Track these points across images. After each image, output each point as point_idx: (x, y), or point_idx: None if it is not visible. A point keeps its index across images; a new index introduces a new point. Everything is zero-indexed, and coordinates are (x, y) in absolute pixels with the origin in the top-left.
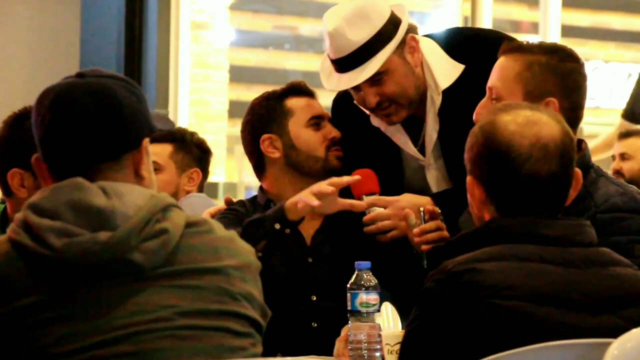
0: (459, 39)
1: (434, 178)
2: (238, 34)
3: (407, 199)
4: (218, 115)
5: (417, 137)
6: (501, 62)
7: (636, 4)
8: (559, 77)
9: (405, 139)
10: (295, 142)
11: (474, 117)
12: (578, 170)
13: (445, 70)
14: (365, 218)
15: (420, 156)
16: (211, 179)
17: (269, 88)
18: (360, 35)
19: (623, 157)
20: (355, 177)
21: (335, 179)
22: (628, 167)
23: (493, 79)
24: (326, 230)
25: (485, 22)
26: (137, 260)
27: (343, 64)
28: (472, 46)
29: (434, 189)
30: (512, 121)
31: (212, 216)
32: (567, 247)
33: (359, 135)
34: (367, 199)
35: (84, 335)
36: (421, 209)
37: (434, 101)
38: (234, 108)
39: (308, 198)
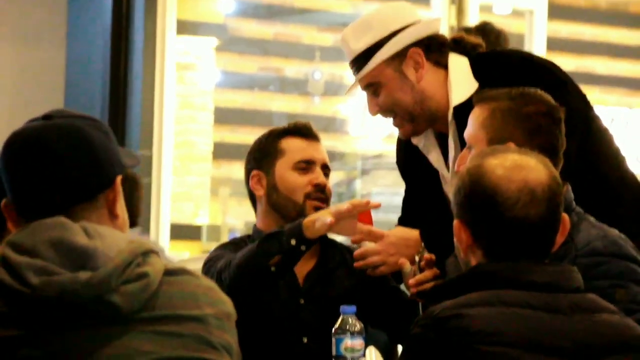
0: (487, 58)
1: None
2: (223, 75)
3: (397, 234)
4: (202, 156)
5: (447, 154)
6: (472, 111)
7: (620, 48)
8: (518, 120)
9: (437, 155)
10: (278, 183)
11: (455, 169)
12: (565, 215)
13: (461, 89)
14: (355, 253)
15: (446, 172)
16: (195, 221)
17: (255, 130)
18: (358, 45)
19: None
20: (375, 203)
21: (355, 200)
22: None
23: (466, 130)
24: (319, 272)
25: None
26: (117, 302)
27: (352, 69)
28: (495, 65)
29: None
30: (499, 165)
31: None
32: (554, 293)
33: (411, 154)
34: (358, 235)
35: None
36: (417, 256)
37: (450, 117)
38: (218, 150)
39: (325, 216)
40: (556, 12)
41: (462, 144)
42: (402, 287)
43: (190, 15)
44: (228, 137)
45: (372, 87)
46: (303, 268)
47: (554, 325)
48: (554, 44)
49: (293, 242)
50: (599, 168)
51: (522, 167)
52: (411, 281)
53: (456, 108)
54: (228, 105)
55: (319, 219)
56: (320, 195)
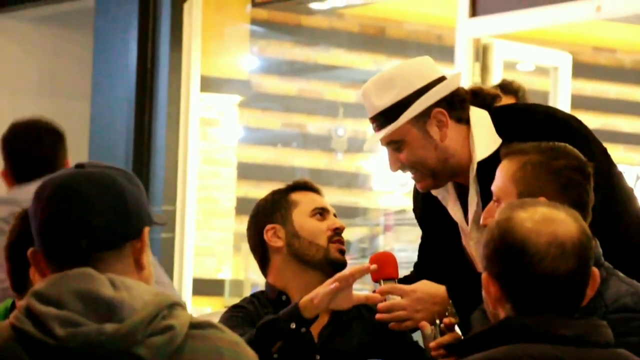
0: (510, 112)
1: (476, 249)
2: (246, 131)
3: (424, 289)
4: (225, 212)
5: (467, 207)
6: (501, 165)
7: None
8: (549, 174)
9: (457, 207)
10: (298, 230)
11: (481, 222)
12: (595, 270)
13: (485, 143)
14: (381, 306)
15: (466, 226)
16: (217, 275)
17: (277, 185)
18: (381, 101)
19: None
20: (372, 266)
21: (356, 267)
22: None
23: (494, 183)
24: (334, 326)
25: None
26: (143, 355)
27: (373, 125)
28: (518, 120)
29: (476, 259)
30: (528, 218)
31: None
32: (583, 348)
33: (430, 205)
34: (384, 286)
35: None
36: (437, 321)
37: (472, 172)
38: (241, 205)
39: (324, 288)
40: (581, 70)
41: (484, 199)
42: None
43: (214, 72)
44: (251, 193)
45: (395, 144)
46: (317, 323)
47: None
48: (578, 101)
49: (293, 325)
50: (620, 225)
51: (551, 221)
52: (432, 344)
53: (479, 163)
54: (251, 161)
55: (317, 296)
56: (341, 239)
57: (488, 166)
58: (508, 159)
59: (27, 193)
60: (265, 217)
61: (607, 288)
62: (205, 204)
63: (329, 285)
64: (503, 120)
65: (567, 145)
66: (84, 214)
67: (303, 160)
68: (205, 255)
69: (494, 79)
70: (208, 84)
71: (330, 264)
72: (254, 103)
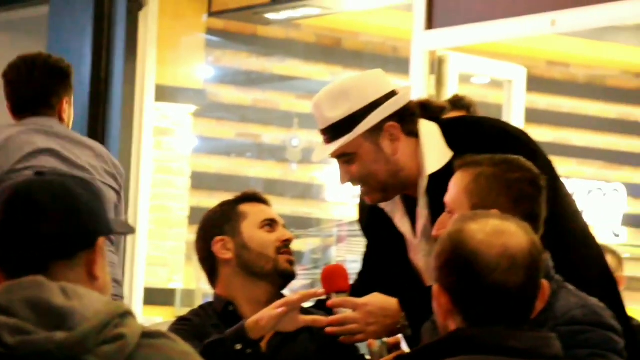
0: (460, 125)
1: (424, 263)
2: (201, 140)
3: (376, 303)
4: (178, 221)
5: (415, 220)
6: (455, 177)
7: (597, 121)
8: (503, 187)
9: (403, 220)
10: (247, 242)
11: (433, 233)
12: (545, 282)
13: (435, 157)
14: (332, 319)
15: (413, 239)
16: (169, 285)
17: (230, 195)
18: (333, 113)
19: None
20: (318, 291)
21: (303, 292)
22: None
23: (447, 194)
24: (282, 335)
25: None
26: None
27: (323, 136)
28: (468, 133)
29: (424, 272)
30: (480, 230)
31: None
32: None
33: (376, 216)
34: (336, 300)
35: None
36: (383, 340)
37: (423, 185)
38: (194, 214)
39: (271, 311)
40: (535, 84)
41: (433, 212)
42: None
43: (169, 81)
44: (204, 202)
45: (346, 157)
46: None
47: None
48: (532, 115)
49: (238, 347)
50: (565, 239)
51: (502, 233)
52: None
53: (430, 176)
54: (205, 171)
55: (263, 318)
56: (290, 251)
57: (439, 179)
58: (462, 170)
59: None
60: (214, 228)
61: (557, 300)
62: (158, 213)
63: (276, 308)
64: (453, 133)
65: (520, 158)
66: (36, 223)
67: (257, 171)
68: (157, 265)
69: (448, 92)
70: (163, 93)
71: (279, 275)
72: (208, 113)
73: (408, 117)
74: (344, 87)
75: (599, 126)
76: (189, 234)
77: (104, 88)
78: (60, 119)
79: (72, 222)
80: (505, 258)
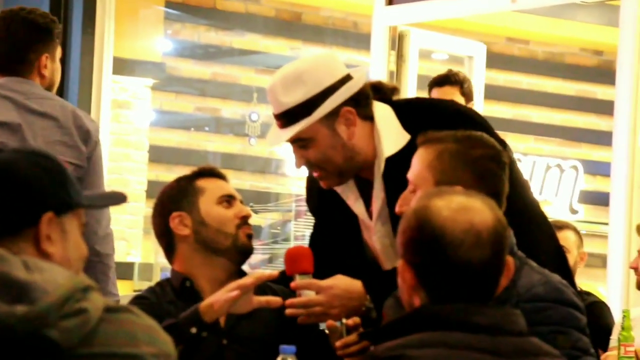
0: (415, 107)
1: (381, 244)
2: (159, 114)
3: (341, 285)
4: (136, 195)
5: (370, 202)
6: (417, 154)
7: (555, 98)
8: (468, 164)
9: (358, 203)
10: (205, 219)
11: (396, 209)
12: (510, 258)
13: (392, 139)
14: (297, 301)
15: (369, 220)
16: (127, 259)
17: (189, 169)
18: (289, 98)
19: None
20: (273, 273)
21: (257, 274)
22: None
23: (410, 171)
24: None
25: (410, 78)
26: (54, 337)
27: (278, 121)
28: (425, 115)
29: (381, 254)
30: (445, 207)
31: None
32: (497, 336)
33: (325, 201)
34: (299, 282)
35: None
36: (343, 321)
37: (381, 168)
38: (152, 188)
39: (224, 295)
40: (494, 61)
41: (389, 194)
42: None
43: (128, 54)
44: (163, 176)
45: (301, 141)
46: None
47: None
48: (491, 91)
49: (194, 330)
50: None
51: (468, 209)
52: (338, 343)
53: (387, 159)
54: (163, 144)
55: (217, 301)
56: (249, 226)
57: (396, 162)
58: (425, 147)
59: None
60: (171, 204)
61: (520, 277)
62: (116, 187)
63: (230, 291)
64: (409, 115)
65: (483, 134)
66: None
67: (216, 145)
68: (115, 239)
69: (409, 68)
70: (121, 66)
71: (238, 250)
72: (167, 86)
73: (363, 101)
74: (299, 71)
75: (558, 103)
76: (147, 208)
77: (62, 60)
78: (41, 76)
79: (12, 199)
80: (471, 234)
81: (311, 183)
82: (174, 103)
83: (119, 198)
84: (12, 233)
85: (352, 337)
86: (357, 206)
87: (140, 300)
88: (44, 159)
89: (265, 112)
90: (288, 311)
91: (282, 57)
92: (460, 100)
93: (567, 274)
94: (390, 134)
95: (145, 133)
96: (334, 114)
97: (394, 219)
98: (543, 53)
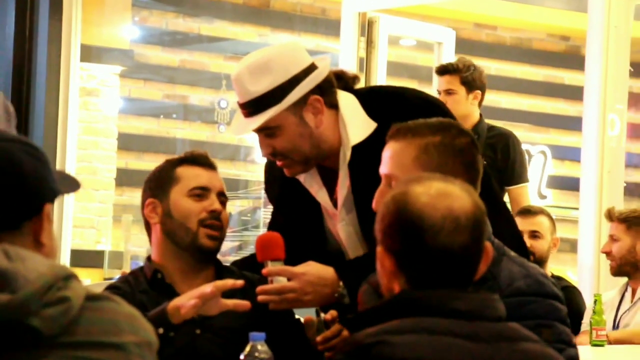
0: (380, 95)
1: (345, 232)
2: (128, 101)
3: (313, 272)
4: (105, 183)
5: (333, 190)
6: (394, 148)
7: (523, 83)
8: (457, 155)
9: (321, 191)
10: (172, 210)
11: (373, 206)
12: (488, 244)
13: (358, 127)
14: (269, 288)
15: (333, 209)
16: (97, 247)
17: (159, 157)
18: (256, 87)
19: (534, 235)
20: (238, 282)
21: (219, 282)
22: (539, 246)
23: (389, 167)
24: None
25: (380, 64)
26: (36, 326)
27: (243, 110)
28: (390, 103)
29: (345, 242)
30: (424, 193)
31: None
32: (476, 321)
33: (287, 189)
34: (272, 268)
35: None
36: (320, 315)
37: (346, 156)
38: (122, 176)
39: (189, 302)
40: (462, 46)
41: (354, 182)
42: None
43: (95, 41)
44: (132, 164)
45: (268, 130)
46: None
47: (476, 354)
48: None
49: (160, 330)
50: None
51: (446, 195)
52: (318, 338)
53: (353, 147)
54: (132, 132)
55: (183, 306)
56: (215, 223)
57: (362, 150)
58: (401, 141)
59: None
60: (149, 189)
61: (500, 271)
62: (85, 175)
63: (193, 298)
64: (374, 103)
65: (451, 120)
66: None
67: (185, 132)
68: (85, 227)
69: (379, 54)
70: (89, 53)
71: (197, 250)
72: (135, 73)
73: (328, 89)
74: (265, 60)
75: (526, 89)
76: (117, 196)
77: (29, 48)
78: None
79: (15, 191)
80: (450, 220)
81: (270, 171)
82: (142, 90)
83: (77, 185)
84: (14, 227)
85: (332, 330)
86: (320, 195)
87: (113, 290)
88: (33, 148)
89: (235, 99)
90: (260, 297)
91: (250, 43)
92: (461, 89)
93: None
94: (355, 122)
95: (114, 121)
96: (301, 102)
97: (359, 207)
98: (511, 39)
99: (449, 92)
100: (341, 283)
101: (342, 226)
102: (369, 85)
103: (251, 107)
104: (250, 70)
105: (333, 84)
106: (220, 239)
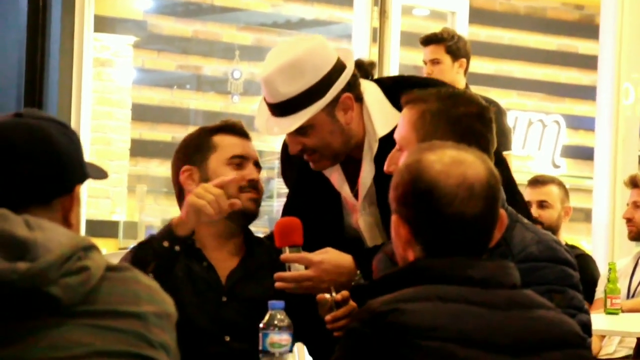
0: (405, 86)
1: (366, 224)
2: (141, 72)
3: (331, 260)
4: (120, 153)
5: (355, 181)
6: (402, 112)
7: (537, 53)
8: (449, 123)
9: (342, 181)
10: (211, 177)
11: (385, 168)
12: (503, 211)
13: (384, 118)
14: (287, 276)
15: (354, 200)
16: (112, 217)
17: (172, 127)
18: (289, 89)
19: (542, 205)
20: (233, 177)
21: (219, 180)
22: (548, 215)
23: (396, 131)
24: (243, 270)
25: (393, 35)
26: (55, 294)
27: (273, 110)
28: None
29: (366, 234)
30: (438, 161)
31: None
32: (491, 289)
33: (306, 175)
34: (290, 255)
35: None
36: (332, 294)
37: (371, 147)
38: (135, 147)
39: (205, 203)
40: (476, 16)
41: (378, 174)
42: None
43: (109, 12)
44: (146, 135)
45: (300, 128)
46: (226, 265)
47: (491, 321)
48: (473, 47)
49: (166, 244)
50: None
51: (460, 163)
52: (328, 317)
53: (380, 139)
54: (146, 103)
55: (188, 205)
56: (254, 191)
57: (386, 142)
58: (409, 106)
59: None
60: (185, 156)
61: (513, 237)
62: (99, 145)
63: (208, 199)
64: (400, 94)
65: (466, 91)
66: (13, 166)
67: (198, 103)
68: (99, 197)
69: (392, 24)
70: (102, 24)
71: (241, 214)
72: (149, 44)
73: (354, 84)
74: (295, 60)
75: (540, 58)
76: (131, 166)
77: (42, 18)
78: None
79: (50, 168)
80: (464, 187)
81: (287, 155)
82: (156, 61)
83: (105, 173)
84: (44, 202)
85: (342, 310)
86: (341, 185)
87: (145, 251)
88: (68, 129)
89: (248, 70)
90: (277, 284)
91: (263, 14)
92: (446, 58)
93: None
94: (381, 113)
95: (128, 91)
96: (334, 101)
97: (381, 200)
98: (525, 8)
99: (434, 61)
100: (358, 272)
101: (362, 217)
102: (393, 76)
103: (283, 108)
104: (281, 71)
105: (357, 77)
106: (259, 203)
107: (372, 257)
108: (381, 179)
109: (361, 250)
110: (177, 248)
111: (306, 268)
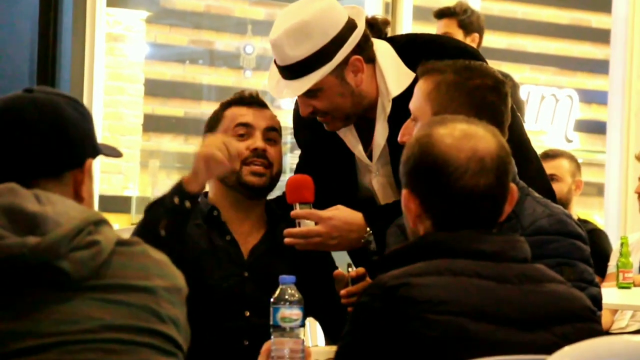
0: (418, 45)
1: (380, 184)
2: (154, 47)
3: (341, 217)
4: (132, 128)
5: (368, 141)
6: (418, 83)
7: (550, 27)
8: (464, 94)
9: (355, 141)
10: None
11: (399, 139)
12: (513, 185)
13: (397, 78)
14: (296, 231)
15: (367, 160)
16: (124, 192)
17: (185, 103)
18: (297, 52)
19: (552, 178)
20: (236, 160)
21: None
22: (557, 188)
23: (411, 101)
24: (265, 245)
25: (406, 8)
26: (65, 269)
27: (283, 73)
28: (427, 53)
29: (379, 194)
30: (448, 134)
31: None
32: (502, 263)
33: (319, 136)
34: (300, 211)
35: (7, 340)
36: (349, 268)
37: (385, 108)
38: (148, 122)
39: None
40: None
41: (392, 134)
42: None
43: None
44: (158, 110)
45: (310, 91)
46: (249, 240)
47: (502, 295)
48: (486, 21)
49: (176, 200)
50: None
51: (471, 136)
52: (342, 292)
53: (393, 100)
54: (158, 78)
55: (198, 159)
56: (259, 160)
57: (400, 101)
58: (424, 77)
59: None
60: (204, 132)
61: (524, 210)
62: (112, 121)
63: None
64: (413, 53)
65: (483, 64)
66: (23, 138)
67: (211, 78)
68: (112, 173)
69: None
70: None
71: (244, 187)
72: (161, 19)
73: (365, 45)
74: (303, 23)
75: (553, 32)
76: (143, 142)
77: None
78: None
79: (61, 140)
80: (474, 161)
81: (299, 117)
82: (168, 36)
83: (119, 152)
84: (55, 174)
85: (357, 286)
86: (355, 146)
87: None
88: (78, 104)
89: (260, 45)
90: (287, 240)
91: None
92: (459, 32)
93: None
94: (394, 73)
95: (140, 66)
96: (343, 63)
97: (394, 160)
98: None
99: (446, 35)
100: (368, 229)
101: (376, 178)
102: (406, 34)
103: (291, 71)
104: (288, 34)
105: (369, 38)
106: (266, 176)
107: (383, 215)
108: (395, 139)
109: (373, 207)
110: (187, 204)
111: (316, 224)
